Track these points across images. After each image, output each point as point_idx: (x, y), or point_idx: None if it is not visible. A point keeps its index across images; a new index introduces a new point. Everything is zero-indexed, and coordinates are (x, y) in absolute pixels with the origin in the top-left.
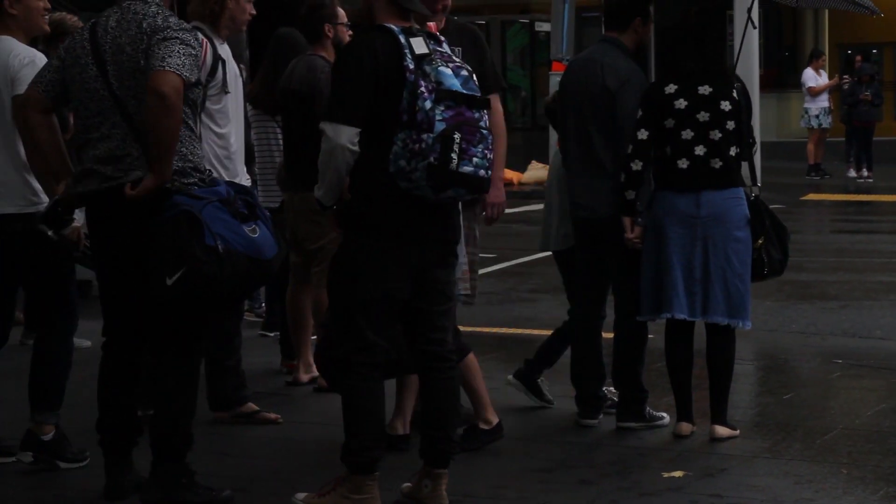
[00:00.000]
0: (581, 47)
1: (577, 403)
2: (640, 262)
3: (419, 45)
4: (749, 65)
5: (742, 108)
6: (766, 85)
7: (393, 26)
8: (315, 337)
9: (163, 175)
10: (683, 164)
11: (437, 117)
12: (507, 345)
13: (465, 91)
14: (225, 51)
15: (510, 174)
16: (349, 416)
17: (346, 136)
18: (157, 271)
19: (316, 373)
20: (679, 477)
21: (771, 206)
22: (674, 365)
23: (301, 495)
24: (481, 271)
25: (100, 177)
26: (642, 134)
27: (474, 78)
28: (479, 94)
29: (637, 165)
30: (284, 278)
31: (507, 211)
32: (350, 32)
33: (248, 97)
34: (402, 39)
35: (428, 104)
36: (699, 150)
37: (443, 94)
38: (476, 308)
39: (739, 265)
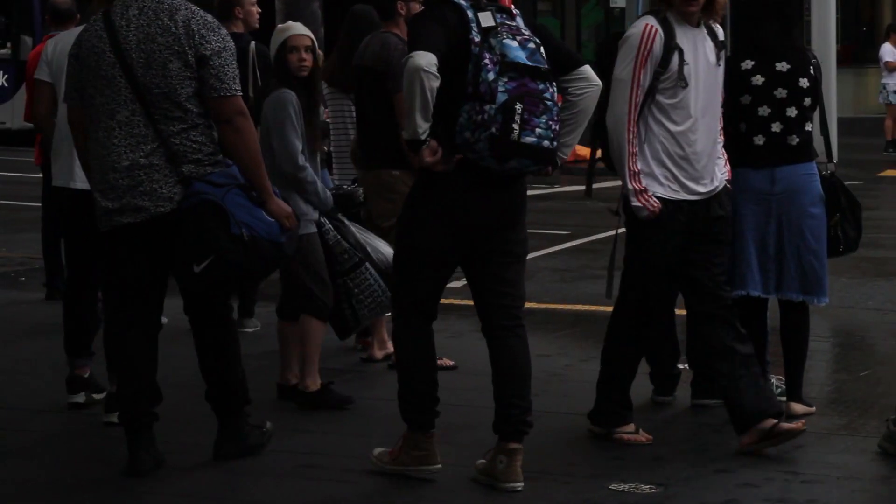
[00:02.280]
0: None
1: (651, 380)
2: None
3: (486, 19)
4: (826, 40)
5: (819, 84)
6: (843, 60)
7: (461, 1)
8: (389, 314)
9: (267, 191)
10: (759, 140)
11: (500, 88)
12: (581, 322)
13: (529, 63)
14: None
15: (585, 150)
16: (401, 373)
17: (424, 60)
18: (185, 259)
19: (390, 349)
20: (763, 455)
21: (848, 183)
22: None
23: (377, 451)
24: (555, 248)
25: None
26: None
27: (542, 50)
28: (544, 66)
29: None
30: None
31: (582, 187)
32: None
33: (324, 75)
34: (470, 14)
35: (491, 76)
36: (776, 127)
37: (507, 66)
38: (550, 285)
39: (814, 241)
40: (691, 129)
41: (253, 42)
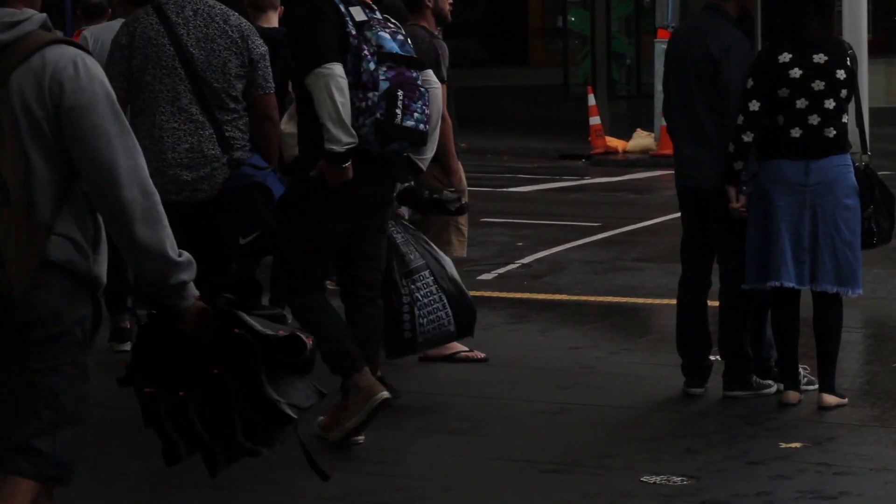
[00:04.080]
0: (686, 15)
1: (683, 372)
2: (744, 231)
3: (358, 14)
4: (857, 30)
5: (855, 76)
6: (874, 50)
7: None
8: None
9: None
10: (796, 133)
11: (381, 77)
12: (612, 314)
13: (403, 53)
14: None
15: (615, 142)
16: (324, 337)
17: (338, 71)
18: (232, 232)
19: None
20: (796, 447)
21: (880, 173)
22: (780, 334)
23: (319, 424)
24: (585, 240)
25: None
26: (754, 105)
27: (409, 42)
28: (415, 56)
29: (748, 137)
30: None
31: (612, 179)
32: (450, 2)
33: None
34: (343, 8)
35: (372, 65)
36: (813, 120)
37: (384, 56)
38: (581, 277)
39: (848, 233)
40: None
41: None
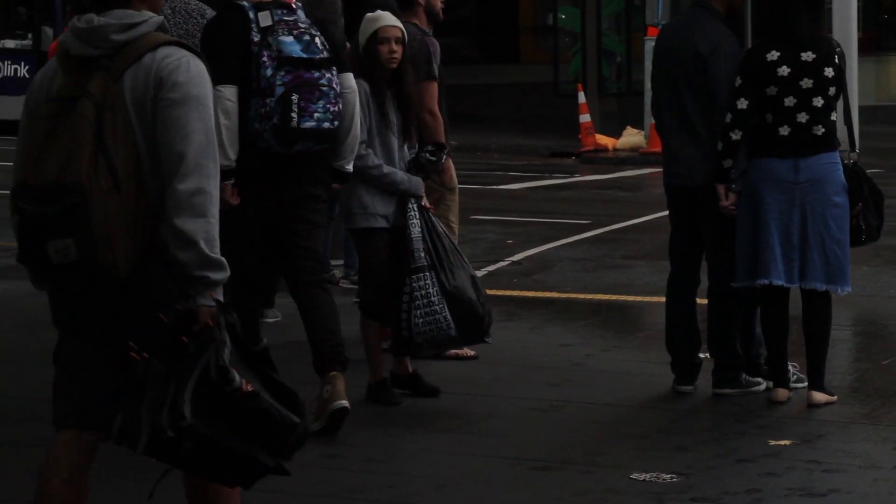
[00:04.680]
0: (676, 12)
1: (672, 370)
2: (734, 229)
3: (265, 19)
4: (847, 28)
5: (843, 74)
6: (864, 48)
7: (245, 2)
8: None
9: None
10: (785, 131)
11: (278, 82)
12: (602, 311)
13: (304, 55)
14: None
15: (605, 140)
16: None
17: (229, 92)
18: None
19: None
20: (785, 445)
21: (870, 171)
22: (769, 331)
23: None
24: (575, 238)
25: None
26: (742, 103)
27: (318, 41)
28: (319, 56)
29: (736, 135)
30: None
31: (602, 177)
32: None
33: None
34: (252, 14)
35: (269, 72)
36: (801, 118)
37: (283, 61)
38: (571, 274)
39: (838, 231)
40: None
41: None
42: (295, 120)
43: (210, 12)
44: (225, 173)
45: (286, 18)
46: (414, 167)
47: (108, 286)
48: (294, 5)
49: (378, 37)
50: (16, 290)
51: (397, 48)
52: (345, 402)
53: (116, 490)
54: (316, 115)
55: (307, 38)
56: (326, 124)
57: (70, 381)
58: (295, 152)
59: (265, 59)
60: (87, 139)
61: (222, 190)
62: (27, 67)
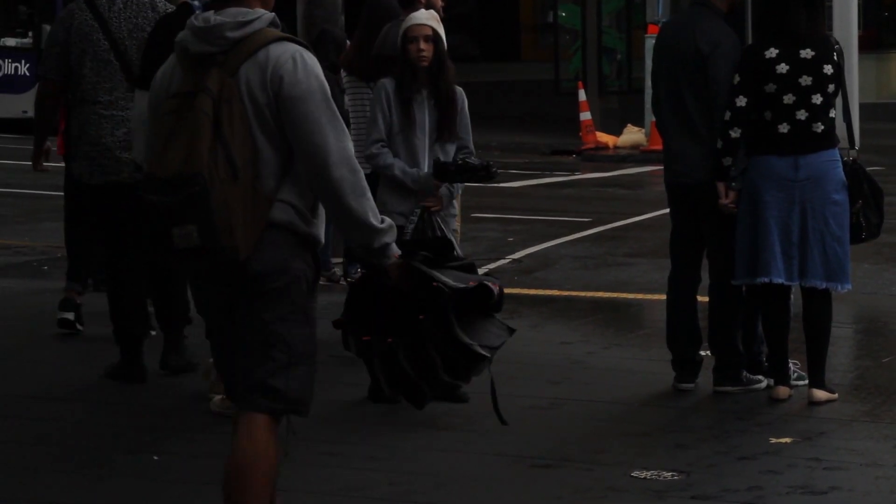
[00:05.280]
0: (677, 10)
1: (673, 367)
2: (734, 227)
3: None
4: (848, 25)
5: (842, 70)
6: (865, 45)
7: (196, 2)
8: None
9: None
10: (784, 128)
11: None
12: (603, 309)
13: None
14: None
15: (606, 137)
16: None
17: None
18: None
19: None
20: (786, 442)
21: (870, 168)
22: (770, 329)
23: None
24: (576, 235)
25: None
26: (741, 101)
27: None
28: None
29: (736, 133)
30: None
31: (603, 174)
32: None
33: (343, 63)
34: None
35: None
36: (801, 115)
37: None
38: (571, 272)
39: (837, 228)
40: None
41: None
42: None
43: (162, 4)
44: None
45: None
46: (458, 169)
47: (230, 267)
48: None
49: (407, 36)
50: (16, 287)
51: (426, 46)
52: None
53: (117, 489)
54: None
55: None
56: None
57: (222, 359)
58: None
59: None
60: (205, 132)
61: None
62: (27, 66)
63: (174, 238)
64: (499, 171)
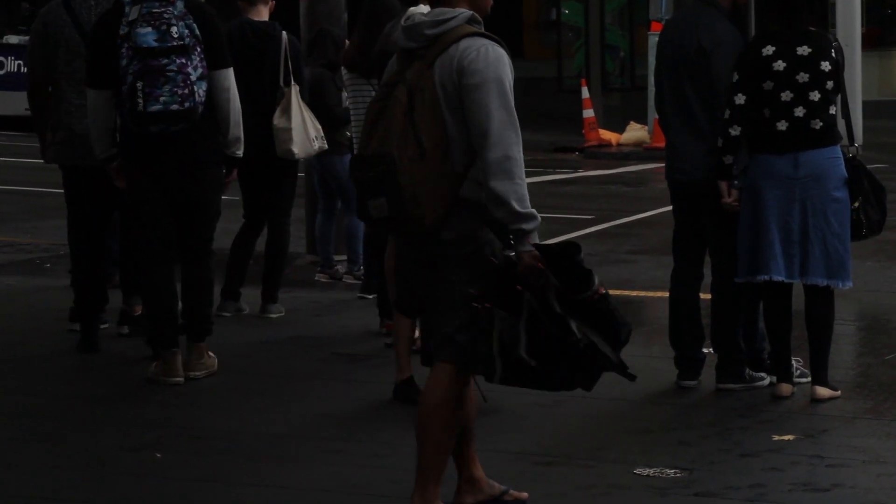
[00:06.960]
0: (680, 7)
1: (676, 365)
2: (737, 225)
3: (133, 13)
4: (851, 23)
5: (841, 67)
6: (868, 43)
7: None
8: None
9: None
10: (782, 125)
11: (129, 71)
12: None
13: (155, 45)
14: None
15: (609, 135)
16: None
17: (90, 94)
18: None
19: (416, 334)
20: (789, 440)
21: (872, 166)
22: (772, 326)
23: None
24: (579, 233)
25: None
26: (739, 99)
27: (174, 30)
28: (170, 44)
29: (735, 131)
30: (383, 240)
31: (606, 172)
32: None
33: (344, 60)
34: (128, 9)
35: (125, 62)
36: (799, 112)
37: (137, 52)
38: None
39: (838, 225)
40: None
41: (284, 32)
42: (141, 104)
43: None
44: (104, 159)
45: (154, 10)
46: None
47: (422, 235)
48: None
49: None
50: (19, 285)
51: None
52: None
53: (117, 488)
54: (162, 98)
55: (164, 27)
56: (174, 106)
57: (425, 320)
58: (153, 133)
59: (124, 51)
60: (399, 117)
61: (111, 170)
62: None
63: (370, 209)
64: None
